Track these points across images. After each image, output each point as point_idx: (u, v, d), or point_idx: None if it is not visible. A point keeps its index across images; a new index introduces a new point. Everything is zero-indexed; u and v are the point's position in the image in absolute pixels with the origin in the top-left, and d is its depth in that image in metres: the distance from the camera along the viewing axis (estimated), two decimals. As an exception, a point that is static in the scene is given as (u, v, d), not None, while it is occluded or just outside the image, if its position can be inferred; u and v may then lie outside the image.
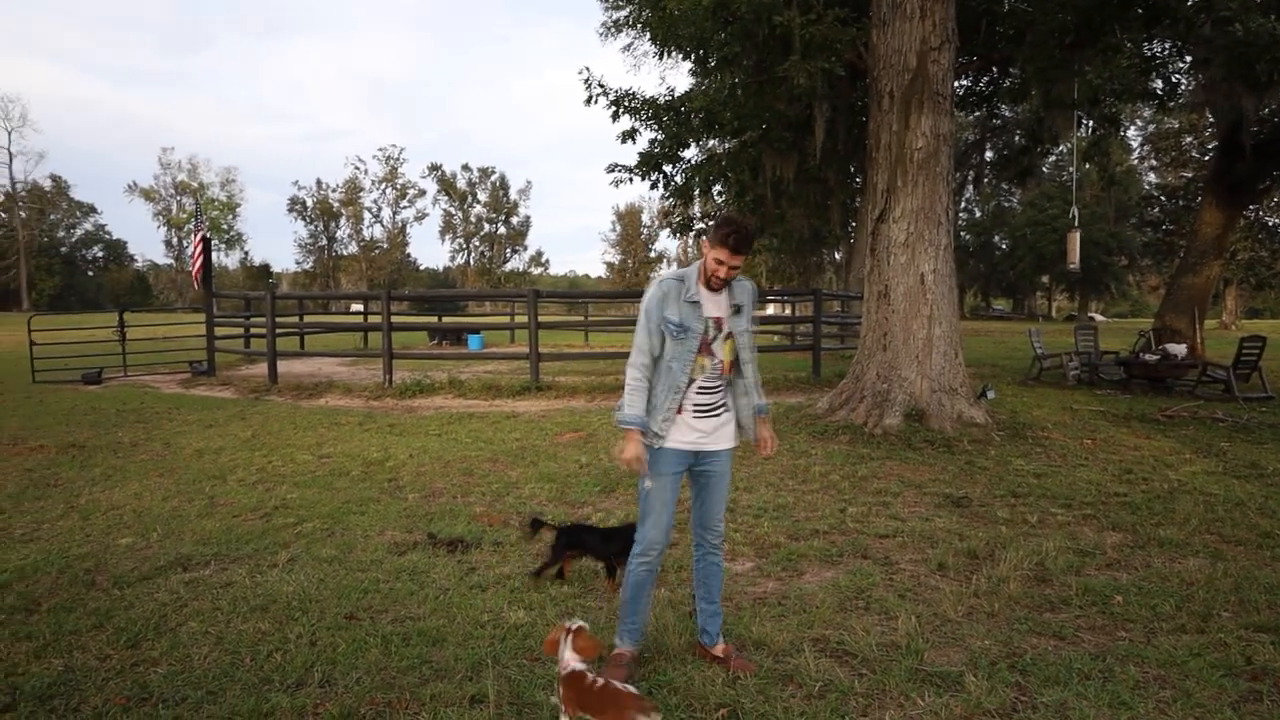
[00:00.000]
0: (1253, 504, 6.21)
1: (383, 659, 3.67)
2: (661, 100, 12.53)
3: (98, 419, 10.99)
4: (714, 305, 3.46)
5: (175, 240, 79.59)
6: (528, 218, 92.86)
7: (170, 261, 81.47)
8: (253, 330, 18.16)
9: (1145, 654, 3.65)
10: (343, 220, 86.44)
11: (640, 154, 12.64)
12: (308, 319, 23.23)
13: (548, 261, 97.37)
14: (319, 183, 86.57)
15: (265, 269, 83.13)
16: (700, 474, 3.59)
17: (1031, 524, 5.74)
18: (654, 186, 13.15)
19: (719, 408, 3.52)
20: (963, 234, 63.25)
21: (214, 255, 72.19)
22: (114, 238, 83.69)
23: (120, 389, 14.55)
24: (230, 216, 79.07)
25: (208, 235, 16.27)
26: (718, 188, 14.39)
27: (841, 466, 7.46)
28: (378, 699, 3.31)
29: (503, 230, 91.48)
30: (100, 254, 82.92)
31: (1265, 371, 12.99)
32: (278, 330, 15.35)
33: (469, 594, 4.46)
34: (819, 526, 5.69)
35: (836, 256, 39.56)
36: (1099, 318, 59.98)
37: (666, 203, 14.78)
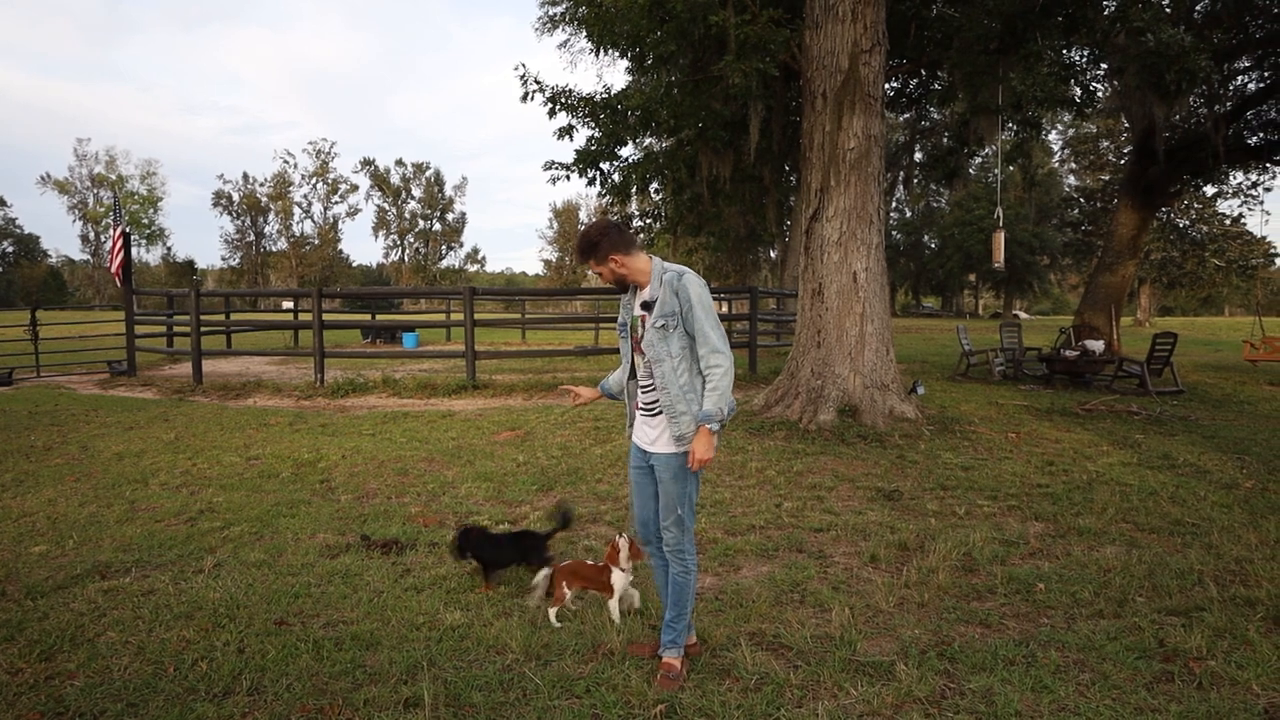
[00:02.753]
0: (1165, 493, 6.50)
1: (314, 665, 3.59)
2: (598, 98, 12.51)
3: (8, 421, 10.48)
4: (638, 305, 3.53)
5: (92, 235, 76.43)
6: (464, 214, 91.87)
7: (87, 257, 78.24)
8: (176, 329, 17.56)
9: (1066, 639, 3.78)
10: (271, 216, 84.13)
11: (577, 151, 12.59)
12: (235, 317, 22.55)
13: (484, 259, 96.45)
14: (246, 176, 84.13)
15: (189, 265, 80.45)
16: (651, 473, 3.57)
17: (959, 515, 5.91)
18: (591, 184, 13.12)
19: (657, 408, 3.49)
20: (894, 233, 64.75)
21: (135, 251, 69.71)
22: (25, 232, 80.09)
23: (33, 390, 13.91)
24: (151, 211, 76.19)
25: (128, 230, 15.63)
26: (655, 186, 14.42)
27: (777, 462, 7.56)
28: (309, 706, 3.23)
29: (438, 227, 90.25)
30: (10, 249, 79.17)
31: (1176, 367, 13.61)
32: (203, 328, 14.87)
33: (404, 596, 4.39)
34: (755, 522, 5.76)
35: (772, 254, 40.11)
36: (1023, 315, 62.09)
37: (604, 200, 14.76)
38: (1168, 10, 13.14)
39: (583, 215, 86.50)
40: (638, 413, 3.60)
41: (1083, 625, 3.94)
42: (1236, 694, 3.27)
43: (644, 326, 3.48)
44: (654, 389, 3.48)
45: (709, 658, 3.62)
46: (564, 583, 4.07)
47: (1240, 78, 17.67)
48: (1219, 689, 3.31)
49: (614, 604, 4.00)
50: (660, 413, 3.46)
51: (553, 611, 4.04)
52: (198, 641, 3.83)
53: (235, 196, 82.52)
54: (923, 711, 3.16)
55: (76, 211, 76.20)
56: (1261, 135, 18.09)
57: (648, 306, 3.47)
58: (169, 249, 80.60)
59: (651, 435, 3.51)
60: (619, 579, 3.98)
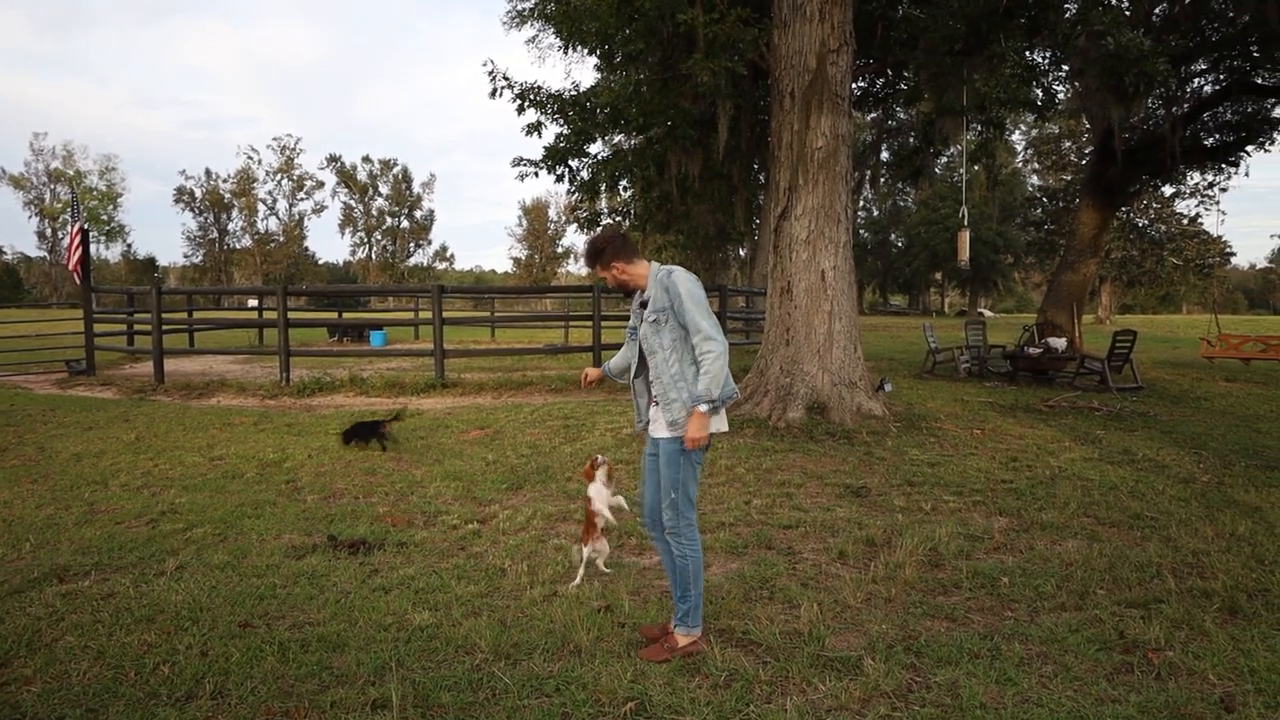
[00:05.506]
0: (1125, 488, 6.63)
1: (280, 667, 3.54)
2: (567, 95, 12.46)
3: (-38, 423, 10.21)
4: (637, 304, 3.85)
5: (49, 232, 74.66)
6: (431, 211, 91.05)
7: (44, 254, 76.39)
8: (137, 327, 17.22)
9: (1029, 632, 3.85)
10: (235, 212, 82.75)
11: (546, 148, 12.53)
12: (198, 315, 22.18)
13: (453, 256, 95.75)
14: (208, 173, 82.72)
15: (151, 262, 78.88)
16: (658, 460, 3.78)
17: (926, 511, 5.98)
18: (559, 180, 13.07)
19: (657, 397, 3.73)
20: (861, 232, 65.31)
21: (94, 248, 68.27)
22: (-21, 228, 77.98)
23: (-12, 390, 13.56)
24: (110, 207, 74.49)
25: (86, 227, 15.29)
26: (624, 183, 14.39)
27: (746, 460, 7.60)
28: (274, 708, 3.19)
29: (405, 224, 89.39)
30: (-37, 245, 77.04)
31: (1135, 363, 13.88)
32: (164, 327, 14.61)
33: (371, 596, 4.34)
34: (725, 519, 5.78)
35: (741, 253, 40.24)
36: (988, 313, 62.95)
37: (573, 198, 14.71)
38: (1127, 14, 13.38)
39: (552, 213, 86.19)
40: (651, 406, 3.82)
41: (1045, 618, 4.01)
42: (1194, 684, 3.35)
43: (642, 322, 3.76)
44: (655, 381, 3.72)
45: (678, 655, 3.63)
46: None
47: (1197, 80, 18.05)
48: (1177, 679, 3.39)
49: (599, 505, 4.52)
50: (660, 401, 3.71)
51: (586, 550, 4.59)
52: (159, 645, 3.77)
53: (198, 193, 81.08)
54: (890, 705, 3.20)
55: (33, 207, 74.38)
56: (1218, 136, 18.51)
57: (644, 305, 3.75)
58: (129, 246, 78.95)
59: (652, 420, 3.80)
60: (594, 490, 4.51)
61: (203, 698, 3.29)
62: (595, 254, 3.78)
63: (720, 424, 3.71)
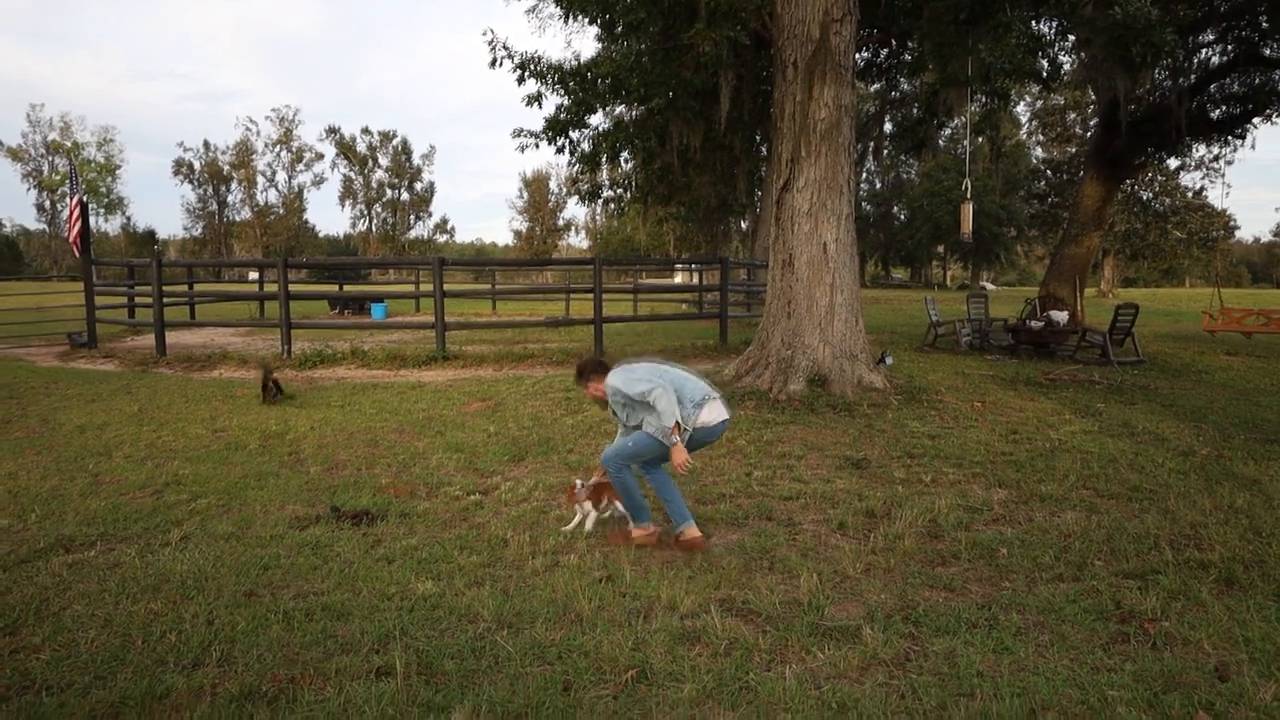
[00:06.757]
0: (1124, 460, 6.65)
1: (285, 635, 3.58)
2: (568, 65, 12.34)
3: (-35, 394, 10.25)
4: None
5: (48, 204, 74.39)
6: (432, 183, 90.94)
7: (44, 227, 76.20)
8: (138, 300, 17.20)
9: (1026, 602, 3.88)
10: (234, 185, 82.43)
11: (546, 120, 12.44)
12: (199, 288, 22.14)
13: (453, 229, 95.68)
14: (206, 144, 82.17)
15: (150, 235, 78.71)
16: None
17: (925, 483, 6.01)
18: (560, 152, 12.99)
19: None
20: (863, 204, 64.99)
21: (93, 220, 67.99)
22: (-23, 200, 77.78)
23: (-10, 362, 13.59)
24: (109, 179, 74.19)
25: (85, 199, 15.23)
26: (625, 155, 14.29)
27: (747, 432, 7.62)
28: (280, 675, 3.23)
29: (405, 196, 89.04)
30: (-38, 218, 76.78)
31: (1137, 337, 13.87)
32: (165, 299, 14.60)
33: (375, 566, 4.38)
34: (725, 490, 5.81)
35: (743, 225, 40.06)
36: (990, 286, 62.78)
37: (574, 169, 14.61)
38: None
39: (553, 185, 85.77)
40: None
41: (1043, 589, 4.04)
42: (1189, 653, 3.39)
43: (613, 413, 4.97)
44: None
45: (679, 624, 3.67)
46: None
47: (1204, 51, 17.85)
48: (1172, 648, 3.42)
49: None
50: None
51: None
52: (165, 614, 3.81)
53: (196, 165, 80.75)
54: (887, 673, 3.24)
55: (31, 179, 74.16)
56: (1224, 108, 18.33)
57: (605, 405, 4.98)
58: (128, 219, 78.83)
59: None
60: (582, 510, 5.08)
61: (209, 664, 3.33)
62: (579, 373, 5.06)
63: (720, 412, 4.79)
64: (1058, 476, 6.14)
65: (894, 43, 13.29)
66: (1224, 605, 3.81)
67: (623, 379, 4.71)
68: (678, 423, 4.50)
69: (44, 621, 3.75)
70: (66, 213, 14.93)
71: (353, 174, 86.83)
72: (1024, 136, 52.92)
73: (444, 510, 5.43)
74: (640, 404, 4.64)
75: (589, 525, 5.00)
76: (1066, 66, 17.66)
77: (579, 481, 5.08)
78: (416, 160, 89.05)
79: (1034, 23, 11.85)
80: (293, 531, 4.98)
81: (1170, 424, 8.25)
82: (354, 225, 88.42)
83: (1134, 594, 3.94)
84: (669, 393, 4.52)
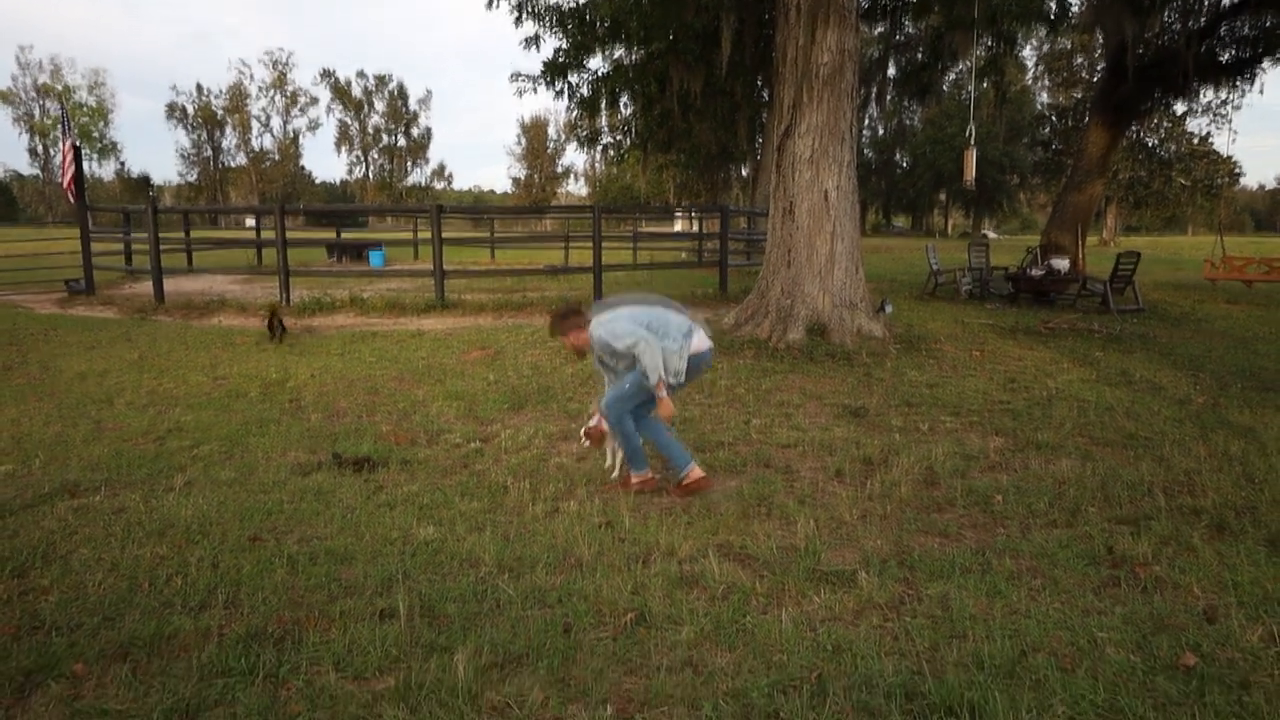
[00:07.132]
0: (1120, 408, 6.69)
1: (289, 579, 3.64)
2: (566, 6, 12.10)
3: (-36, 342, 10.25)
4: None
5: (41, 149, 73.46)
6: (429, 129, 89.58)
7: (37, 172, 75.31)
8: (135, 246, 17.08)
9: (1020, 547, 3.94)
10: (229, 129, 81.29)
11: (545, 63, 12.25)
12: (196, 234, 21.98)
13: (451, 176, 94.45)
14: (199, 88, 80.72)
15: (145, 181, 77.84)
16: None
17: (923, 431, 6.05)
18: (558, 96, 12.83)
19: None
20: (865, 151, 64.18)
21: (87, 166, 67.18)
22: (-32, 145, 76.72)
23: (-12, 310, 13.57)
24: (102, 123, 73.21)
25: (78, 143, 15.03)
26: (624, 100, 14.08)
27: (746, 380, 7.65)
28: (285, 617, 3.29)
29: (402, 142, 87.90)
30: (-46, 163, 75.86)
31: (1138, 285, 13.83)
32: (163, 246, 14.51)
33: (377, 512, 4.44)
34: (724, 438, 5.85)
35: (744, 172, 39.61)
36: (992, 234, 62.40)
37: (573, 115, 14.41)
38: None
39: (551, 131, 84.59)
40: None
41: (1037, 534, 4.10)
42: (1178, 596, 3.45)
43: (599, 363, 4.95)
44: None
45: (677, 568, 3.72)
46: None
47: (1216, -9, 17.45)
48: (1161, 592, 3.48)
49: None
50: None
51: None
52: (171, 558, 3.86)
53: (190, 109, 79.50)
54: (882, 616, 3.30)
55: (23, 124, 73.12)
56: (1234, 51, 17.98)
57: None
58: (122, 164, 78.05)
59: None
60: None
61: (216, 607, 3.39)
62: (551, 323, 4.93)
63: (705, 339, 4.81)
64: (1054, 424, 6.17)
65: (899, -16, 13.01)
66: (1214, 550, 3.87)
67: (607, 330, 4.58)
68: (661, 377, 4.48)
69: (51, 564, 3.81)
70: (60, 158, 14.74)
71: (348, 119, 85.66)
72: (1030, 82, 52.01)
73: (444, 457, 5.48)
74: (627, 354, 4.59)
75: (619, 460, 5.01)
76: (1075, 8, 17.29)
77: (595, 420, 4.99)
78: (413, 104, 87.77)
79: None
80: (295, 478, 5.03)
81: (1168, 372, 8.27)
82: (350, 171, 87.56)
83: (1126, 539, 3.99)
84: (654, 346, 4.44)
